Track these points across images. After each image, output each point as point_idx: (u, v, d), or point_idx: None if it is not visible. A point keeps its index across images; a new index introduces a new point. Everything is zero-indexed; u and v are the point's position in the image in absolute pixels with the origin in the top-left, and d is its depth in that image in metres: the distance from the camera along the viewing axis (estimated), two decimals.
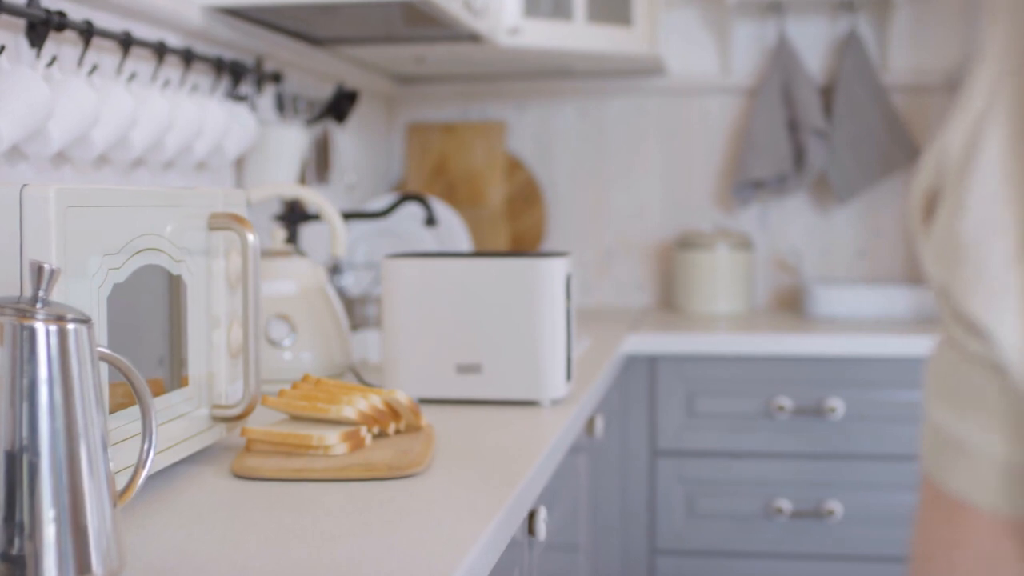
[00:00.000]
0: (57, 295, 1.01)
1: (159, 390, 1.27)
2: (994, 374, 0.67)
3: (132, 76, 1.78)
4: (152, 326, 1.25)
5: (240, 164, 2.30)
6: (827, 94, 3.14)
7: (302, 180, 2.58)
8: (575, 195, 3.31)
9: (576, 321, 2.11)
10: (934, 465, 0.71)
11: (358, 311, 2.61)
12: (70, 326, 0.89)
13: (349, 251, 2.84)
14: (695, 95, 3.25)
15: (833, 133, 3.07)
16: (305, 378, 1.46)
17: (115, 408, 1.14)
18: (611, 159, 3.30)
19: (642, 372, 2.69)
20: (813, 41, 3.18)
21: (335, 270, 2.76)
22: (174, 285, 1.27)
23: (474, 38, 2.51)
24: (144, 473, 0.97)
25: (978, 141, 0.74)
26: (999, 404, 0.67)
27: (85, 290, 1.07)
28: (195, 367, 1.31)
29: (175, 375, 1.29)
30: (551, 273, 1.69)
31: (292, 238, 2.37)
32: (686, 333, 2.69)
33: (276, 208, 2.43)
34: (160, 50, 1.86)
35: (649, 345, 2.66)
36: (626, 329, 2.69)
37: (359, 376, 1.86)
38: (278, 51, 2.39)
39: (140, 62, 1.88)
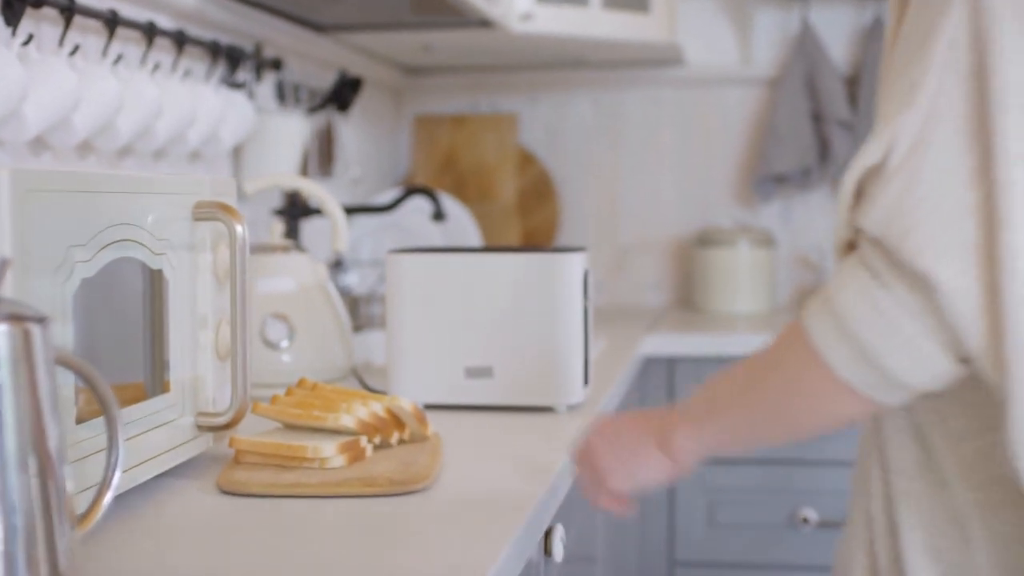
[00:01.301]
0: (13, 290, 0.89)
1: (139, 396, 1.15)
2: (912, 317, 0.87)
3: (118, 59, 1.66)
4: (129, 326, 1.13)
5: (238, 154, 2.18)
6: (852, 84, 3.01)
7: (304, 172, 2.46)
8: (589, 190, 3.19)
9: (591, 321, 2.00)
10: (815, 326, 0.92)
11: (363, 310, 2.49)
12: (22, 325, 0.77)
13: (354, 247, 2.72)
14: (715, 86, 3.12)
15: (859, 125, 2.94)
16: (301, 383, 1.34)
17: (89, 416, 1.03)
18: (627, 152, 3.17)
19: (660, 374, 2.57)
20: (838, 29, 3.05)
21: (338, 266, 2.64)
22: (154, 280, 1.15)
23: (484, 24, 2.39)
24: (108, 495, 0.85)
25: (930, 127, 0.87)
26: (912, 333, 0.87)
27: (47, 286, 0.95)
28: (178, 371, 1.19)
29: (157, 380, 1.18)
30: (568, 269, 1.57)
31: (293, 233, 2.26)
32: (706, 333, 2.57)
33: (276, 202, 2.31)
34: (150, 32, 1.74)
35: (667, 346, 2.54)
36: (643, 330, 2.57)
37: (361, 380, 1.74)
38: (278, 37, 2.27)
39: (128, 45, 1.76)
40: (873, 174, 0.90)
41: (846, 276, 0.92)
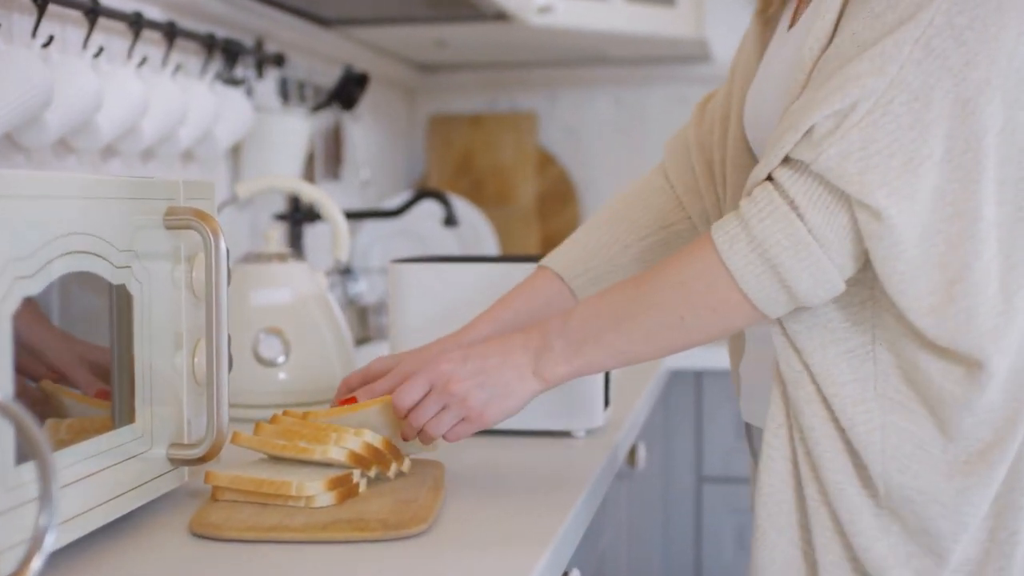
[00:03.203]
0: None
1: (104, 427, 1.02)
2: (821, 245, 1.02)
3: (99, 51, 1.53)
4: (96, 349, 1.00)
5: (236, 155, 2.05)
6: None
7: (310, 175, 2.33)
8: (612, 192, 3.05)
9: None
10: (732, 249, 1.03)
11: (372, 320, 2.36)
12: None
13: (363, 254, 2.59)
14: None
15: None
16: (285, 414, 1.20)
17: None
18: (651, 153, 3.03)
19: (687, 389, 2.43)
20: None
21: (347, 274, 2.51)
22: (117, 297, 1.02)
23: (500, 17, 2.25)
24: (38, 560, 0.72)
25: (894, 92, 1.01)
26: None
27: None
28: (146, 398, 1.06)
29: (124, 409, 1.04)
30: None
31: (295, 239, 2.13)
32: None
33: (280, 206, 2.18)
34: (136, 23, 1.61)
35: (693, 358, 2.39)
36: None
37: None
38: (281, 31, 2.14)
39: (113, 37, 1.63)
40: (830, 120, 1.01)
41: (764, 205, 1.03)
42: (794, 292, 1.04)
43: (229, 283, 1.13)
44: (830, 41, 1.08)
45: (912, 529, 1.09)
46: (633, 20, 2.49)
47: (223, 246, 1.07)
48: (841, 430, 1.09)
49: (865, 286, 1.09)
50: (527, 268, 1.43)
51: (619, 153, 3.04)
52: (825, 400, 1.10)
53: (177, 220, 1.07)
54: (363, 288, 2.54)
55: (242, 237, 2.07)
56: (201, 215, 1.07)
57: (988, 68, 1.02)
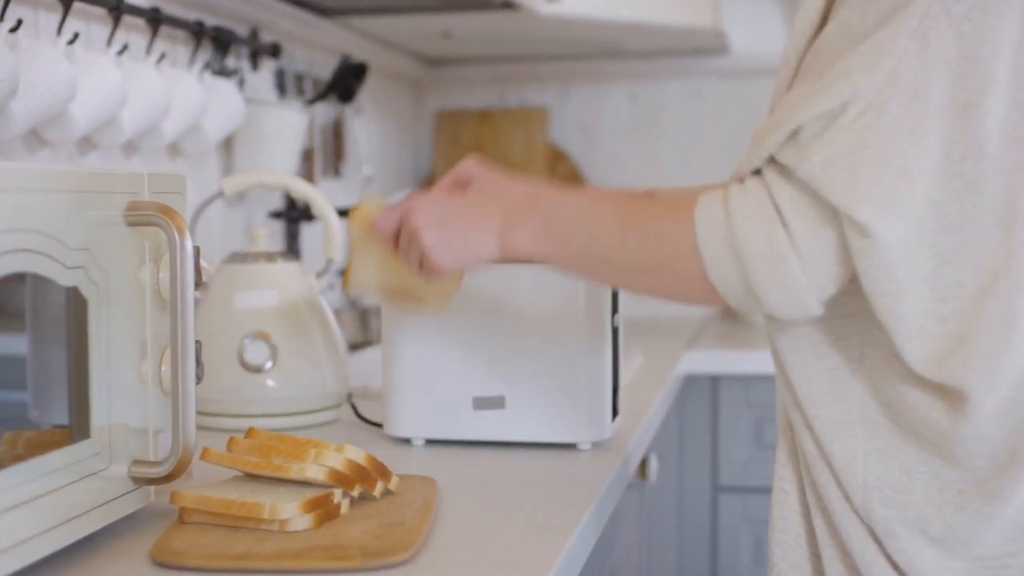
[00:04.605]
0: None
1: (61, 441, 0.93)
2: (802, 261, 0.94)
3: (74, 37, 1.44)
4: (38, 357, 0.91)
5: (229, 150, 1.96)
6: None
7: (309, 172, 2.24)
8: None
9: (625, 336, 1.75)
10: (708, 234, 0.96)
11: (374, 324, 2.27)
12: None
13: None
14: (762, 76, 2.86)
15: None
16: (251, 433, 1.11)
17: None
18: (666, 149, 2.92)
19: (702, 394, 2.32)
20: None
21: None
22: (71, 301, 0.93)
23: (508, 6, 2.15)
24: None
25: (889, 92, 0.91)
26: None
27: None
28: (104, 411, 0.96)
29: (79, 422, 0.95)
30: (594, 283, 1.33)
31: (292, 238, 2.03)
32: (751, 349, 2.32)
33: (277, 203, 2.09)
34: (116, 8, 1.52)
35: (709, 363, 2.29)
36: (683, 345, 2.32)
37: (355, 409, 1.51)
38: (278, 20, 2.05)
39: (92, 23, 1.54)
40: (818, 121, 0.93)
41: (753, 204, 0.95)
42: (761, 300, 0.97)
43: (199, 285, 1.03)
44: (818, 31, 0.99)
45: (905, 568, 0.99)
46: (647, 10, 2.39)
47: (189, 244, 0.98)
48: (825, 456, 1.01)
49: (855, 296, 0.99)
50: (530, 269, 1.33)
51: (633, 150, 2.94)
52: (807, 423, 1.02)
53: (139, 216, 0.98)
54: None
55: (236, 236, 1.97)
56: (165, 210, 0.98)
57: (991, 64, 0.92)
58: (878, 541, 1.00)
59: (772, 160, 0.96)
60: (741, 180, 0.99)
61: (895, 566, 1.00)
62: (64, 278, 0.91)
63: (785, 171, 0.95)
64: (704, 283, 0.99)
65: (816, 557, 1.05)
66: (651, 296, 1.07)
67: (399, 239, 1.12)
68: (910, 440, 0.98)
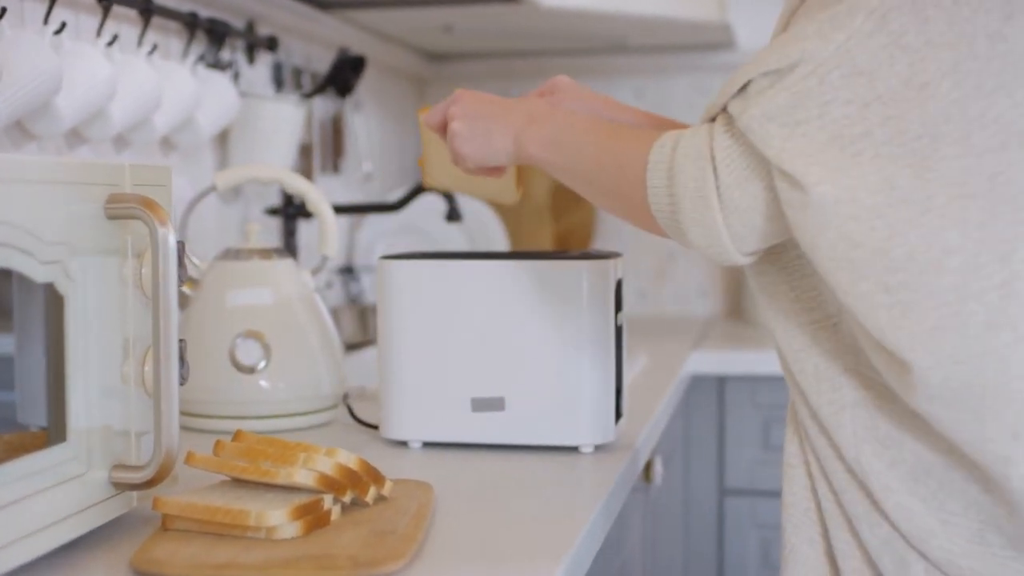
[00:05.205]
0: None
1: (38, 444, 0.88)
2: (723, 211, 0.99)
3: (62, 27, 1.40)
4: (24, 356, 0.87)
5: (224, 145, 1.91)
6: None
7: (308, 168, 2.19)
8: None
9: (630, 335, 1.71)
10: (655, 167, 1.03)
11: (372, 322, 2.22)
12: None
13: (365, 251, 2.45)
14: None
15: None
16: (238, 435, 1.06)
17: None
18: None
19: (708, 396, 2.28)
20: None
21: (348, 273, 2.37)
22: (48, 298, 0.88)
23: None
24: None
25: (836, 62, 0.94)
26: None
27: None
28: (82, 413, 0.92)
29: (56, 425, 0.91)
30: (597, 280, 1.29)
31: (290, 234, 1.99)
32: (759, 349, 2.27)
33: (275, 199, 2.05)
34: None
35: (716, 363, 2.24)
36: (689, 345, 2.28)
37: (351, 411, 1.46)
38: (275, 13, 2.00)
39: (82, 14, 1.50)
40: (765, 78, 0.96)
41: (694, 146, 1.00)
42: (687, 237, 1.03)
43: (184, 281, 0.99)
44: None
45: (905, 529, 1.00)
46: (652, 3, 2.34)
47: (171, 238, 0.93)
48: (813, 412, 1.04)
49: None
50: (532, 265, 1.29)
51: None
52: (795, 381, 1.06)
53: (119, 209, 0.94)
54: (365, 287, 2.40)
55: (231, 232, 1.93)
56: (146, 203, 0.93)
57: (956, 50, 0.93)
58: (875, 502, 1.00)
59: (724, 109, 1.00)
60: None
61: (893, 525, 1.00)
62: (39, 274, 0.86)
63: (729, 120, 0.99)
64: (649, 216, 1.05)
65: (825, 531, 1.06)
66: (627, 219, 1.12)
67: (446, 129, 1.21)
68: (895, 394, 0.99)
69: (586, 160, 1.10)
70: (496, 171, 1.22)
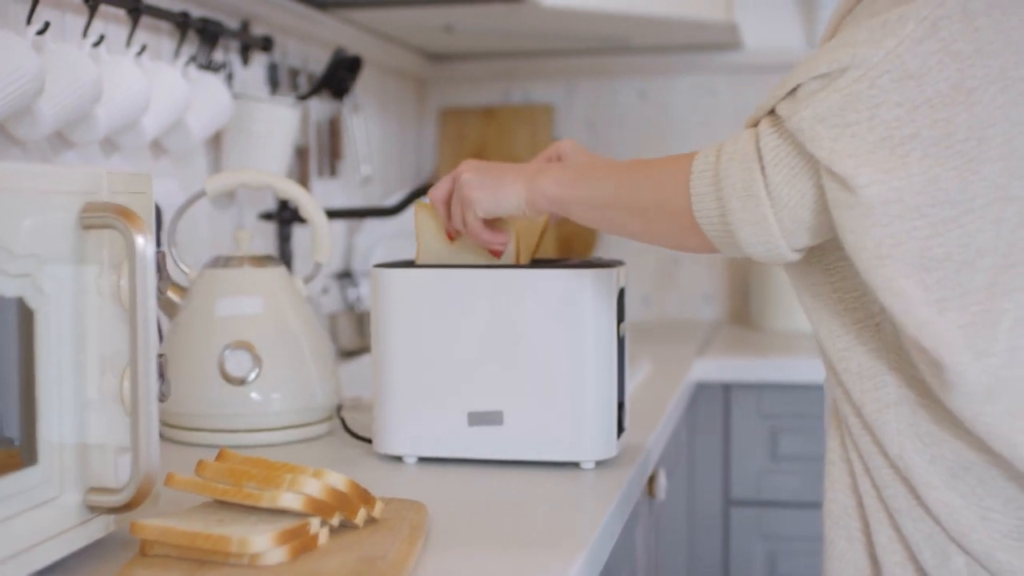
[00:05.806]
0: None
1: (13, 465, 0.84)
2: (774, 208, 1.01)
3: (45, 27, 1.35)
4: (3, 373, 0.83)
5: (218, 148, 1.87)
6: None
7: (304, 171, 2.15)
8: None
9: (633, 341, 1.66)
10: (698, 175, 1.05)
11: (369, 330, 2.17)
12: None
13: (364, 257, 2.40)
14: (776, 72, 2.76)
15: None
16: (222, 455, 1.02)
17: None
18: (676, 148, 2.82)
19: (714, 404, 2.23)
20: None
21: (346, 279, 2.33)
22: (20, 313, 0.84)
23: None
24: None
25: (887, 66, 0.96)
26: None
27: None
28: (54, 433, 0.87)
29: (26, 447, 0.86)
30: (598, 289, 1.24)
31: (284, 241, 1.95)
32: (765, 357, 2.23)
33: (270, 204, 2.00)
34: None
35: (721, 371, 2.20)
36: (694, 351, 2.23)
37: (345, 424, 1.42)
38: (271, 12, 1.96)
39: (68, 14, 1.45)
40: (816, 81, 0.99)
41: (740, 148, 1.02)
42: (737, 239, 1.03)
43: (164, 292, 0.95)
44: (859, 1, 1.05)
45: (946, 523, 1.01)
46: (656, 2, 2.29)
47: (148, 248, 0.89)
48: (858, 409, 1.05)
49: None
50: (531, 274, 1.24)
51: (642, 149, 2.84)
52: (839, 379, 1.07)
53: (94, 218, 0.89)
54: (363, 292, 2.36)
55: (224, 239, 1.88)
56: (122, 212, 0.89)
57: (1003, 58, 0.97)
58: (918, 496, 1.02)
59: (771, 113, 1.02)
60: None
61: (935, 520, 1.01)
62: (8, 288, 0.82)
63: (777, 122, 1.01)
64: (691, 219, 1.05)
65: (866, 526, 1.06)
66: (657, 242, 1.13)
67: (451, 202, 1.23)
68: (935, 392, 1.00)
69: (612, 185, 1.12)
70: (498, 235, 1.23)
